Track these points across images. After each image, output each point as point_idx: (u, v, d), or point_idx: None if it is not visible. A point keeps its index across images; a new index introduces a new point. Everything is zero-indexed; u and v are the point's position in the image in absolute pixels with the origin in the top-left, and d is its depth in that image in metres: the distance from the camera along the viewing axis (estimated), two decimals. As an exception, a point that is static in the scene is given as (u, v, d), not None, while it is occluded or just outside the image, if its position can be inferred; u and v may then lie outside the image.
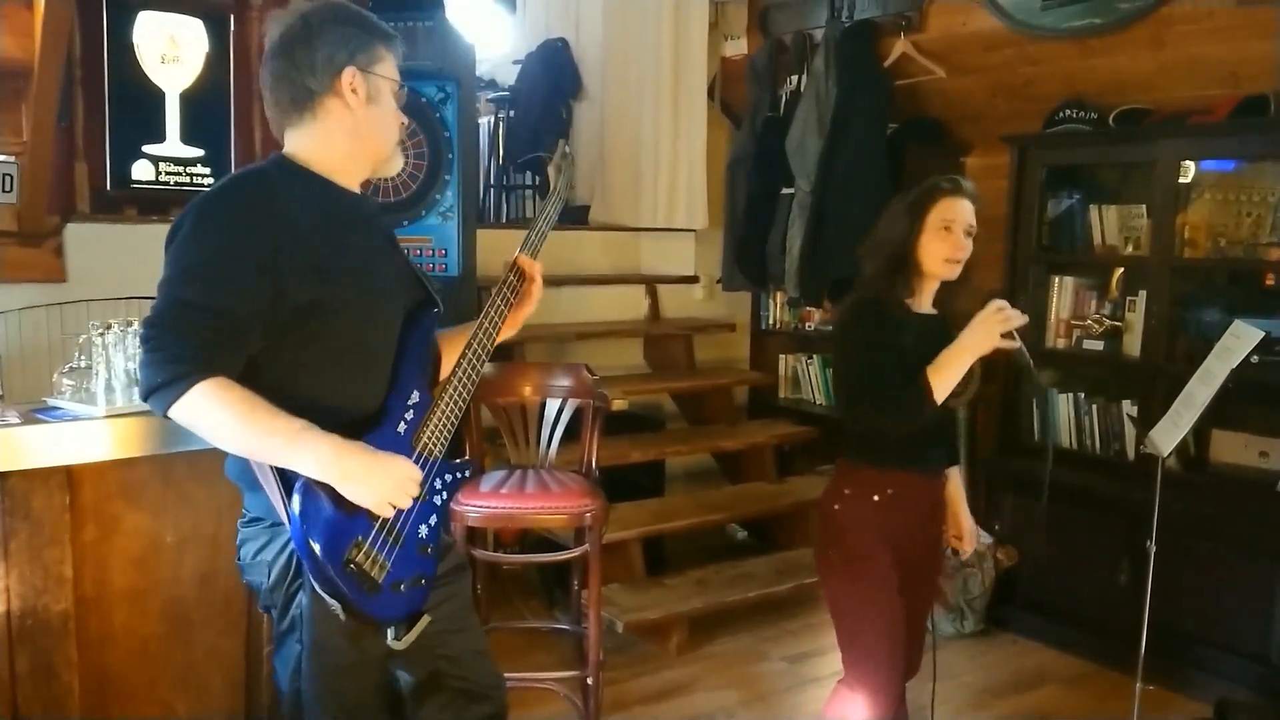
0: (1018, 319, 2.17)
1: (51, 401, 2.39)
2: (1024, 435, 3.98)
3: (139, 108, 3.93)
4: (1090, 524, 3.64)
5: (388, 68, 1.78)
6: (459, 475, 1.84)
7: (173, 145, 4.00)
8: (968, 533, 2.47)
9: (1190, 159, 3.49)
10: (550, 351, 4.28)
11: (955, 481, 2.47)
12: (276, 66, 1.74)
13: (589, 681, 2.99)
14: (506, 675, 3.03)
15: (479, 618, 3.19)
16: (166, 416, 1.59)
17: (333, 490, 1.61)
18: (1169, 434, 2.86)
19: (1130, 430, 3.66)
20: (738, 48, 4.96)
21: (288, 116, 1.76)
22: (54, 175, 3.64)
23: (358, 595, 1.62)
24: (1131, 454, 3.64)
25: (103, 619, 2.37)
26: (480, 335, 1.86)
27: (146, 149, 3.95)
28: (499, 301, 1.90)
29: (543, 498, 2.93)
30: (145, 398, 1.60)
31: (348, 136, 1.76)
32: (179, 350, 1.56)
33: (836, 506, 2.34)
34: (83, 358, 2.42)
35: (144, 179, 3.94)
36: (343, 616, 1.62)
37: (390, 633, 1.69)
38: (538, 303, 1.97)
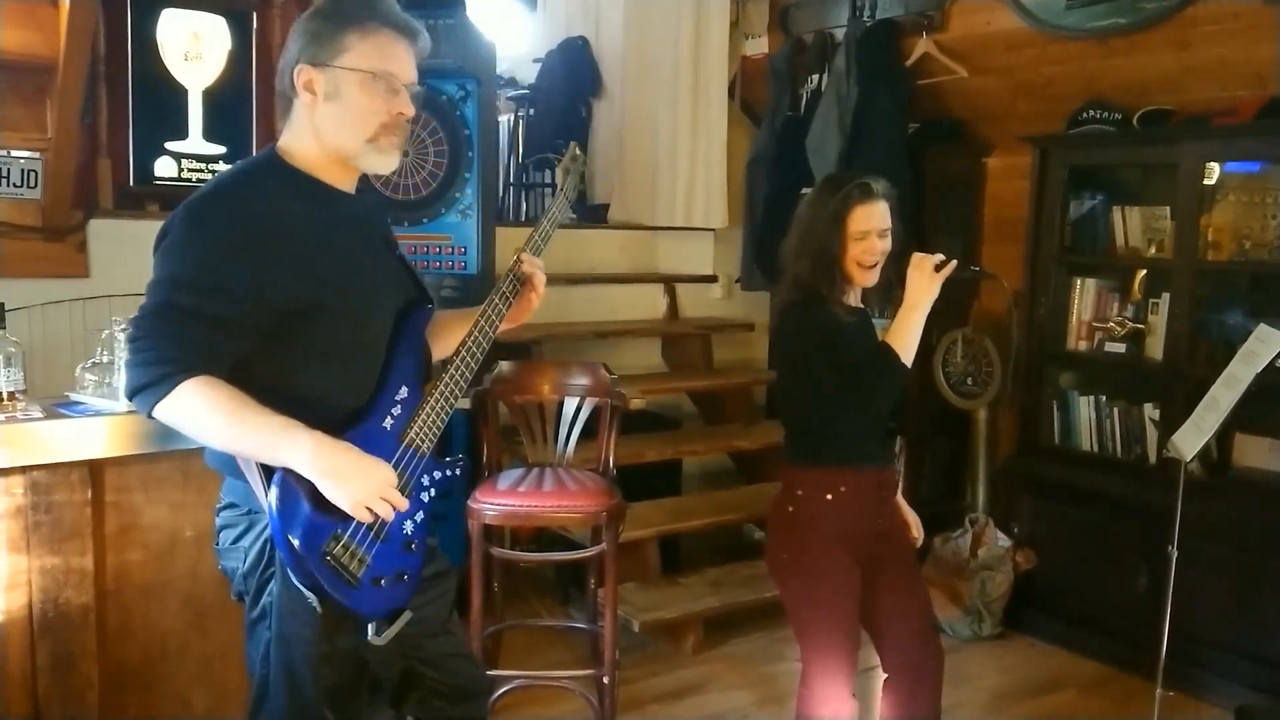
0: (939, 256, 2.24)
1: (74, 396, 2.41)
2: (1043, 437, 3.95)
3: (162, 104, 3.96)
4: (1111, 528, 3.61)
5: (356, 57, 1.68)
6: (449, 473, 1.83)
7: (195, 142, 4.02)
8: (911, 523, 2.53)
9: (1215, 160, 3.46)
10: (568, 350, 4.27)
11: (892, 471, 2.53)
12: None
13: (604, 680, 2.99)
14: (522, 673, 3.08)
15: (495, 616, 3.22)
16: (151, 416, 1.59)
17: (312, 483, 1.61)
18: (1192, 438, 2.84)
19: (1152, 434, 3.63)
20: (758, 46, 4.94)
21: (280, 115, 1.77)
22: (77, 171, 3.67)
23: (336, 588, 1.62)
24: (1153, 457, 3.60)
25: (122, 612, 2.39)
26: (475, 333, 1.84)
27: (169, 145, 3.98)
28: (496, 300, 1.88)
29: (560, 496, 2.93)
30: (130, 397, 1.61)
31: (312, 135, 1.73)
32: (165, 351, 1.56)
33: (790, 508, 2.38)
34: (105, 353, 2.45)
35: (166, 175, 3.97)
36: (319, 609, 1.62)
37: (371, 628, 1.68)
38: (539, 301, 1.95)
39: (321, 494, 1.61)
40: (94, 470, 2.30)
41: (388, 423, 1.74)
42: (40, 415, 2.27)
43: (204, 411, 1.57)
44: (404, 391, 1.77)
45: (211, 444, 1.65)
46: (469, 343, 1.83)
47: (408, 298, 1.85)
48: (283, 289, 1.63)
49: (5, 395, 2.27)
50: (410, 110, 1.75)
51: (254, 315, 1.62)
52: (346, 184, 1.79)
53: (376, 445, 1.69)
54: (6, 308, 2.34)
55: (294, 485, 1.60)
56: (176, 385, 1.55)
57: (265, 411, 1.59)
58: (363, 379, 1.75)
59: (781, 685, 3.33)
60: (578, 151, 2.16)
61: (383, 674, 1.84)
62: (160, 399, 1.56)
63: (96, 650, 2.34)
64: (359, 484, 1.61)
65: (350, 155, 1.73)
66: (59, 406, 2.34)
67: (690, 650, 3.64)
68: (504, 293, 1.89)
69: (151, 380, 1.57)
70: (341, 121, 1.71)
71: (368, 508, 1.62)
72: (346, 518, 1.64)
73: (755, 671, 3.52)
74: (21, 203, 3.49)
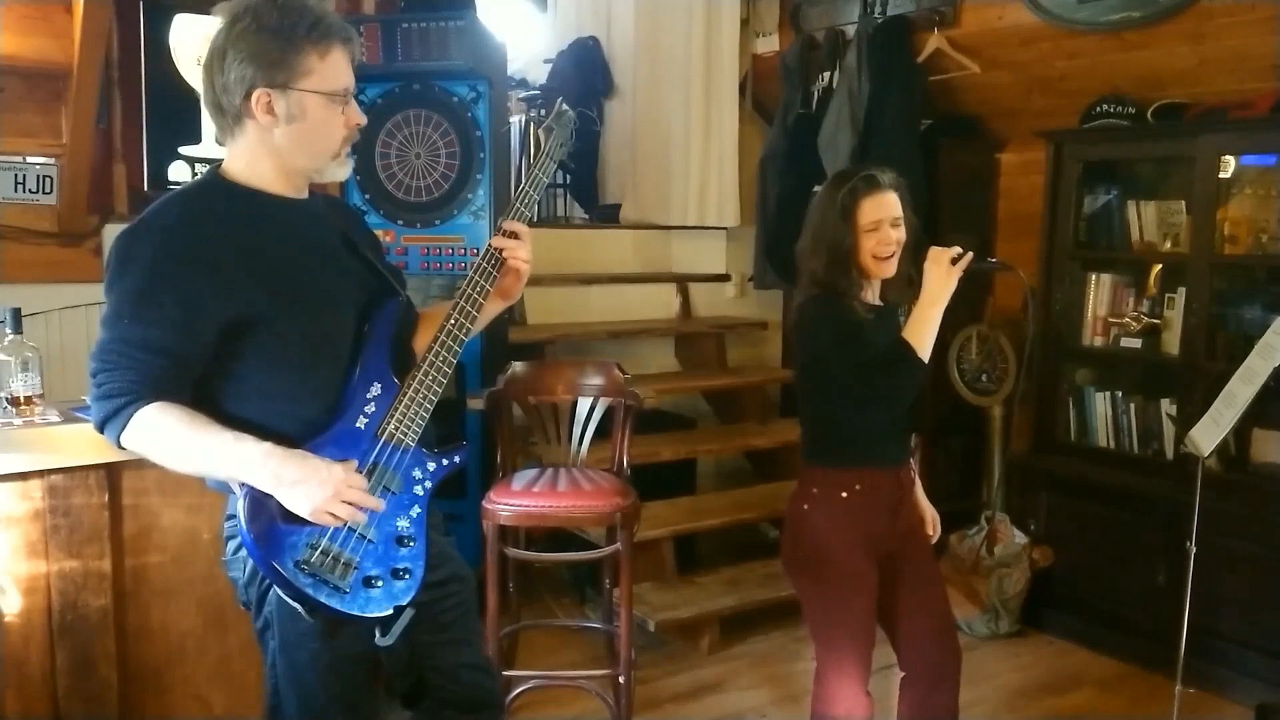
0: (956, 249, 2.21)
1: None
2: (1059, 433, 3.93)
3: (175, 109, 3.98)
4: (1128, 524, 3.59)
5: (319, 79, 1.66)
6: (444, 463, 1.77)
7: (208, 147, 4.04)
8: (929, 518, 2.51)
9: (1230, 154, 3.43)
10: (581, 350, 4.28)
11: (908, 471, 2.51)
12: (203, 80, 1.69)
13: (621, 680, 2.98)
14: (538, 673, 3.09)
15: (511, 617, 3.22)
16: (121, 447, 1.61)
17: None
18: (1209, 433, 2.82)
19: (1169, 429, 3.61)
20: (769, 44, 4.93)
21: (220, 132, 1.74)
22: (92, 176, 3.70)
23: (324, 596, 1.59)
24: (1170, 453, 3.58)
25: (141, 614, 2.40)
26: (455, 315, 1.79)
27: (182, 150, 4.00)
28: (476, 278, 1.82)
29: (575, 496, 2.93)
30: (99, 430, 1.63)
31: (270, 155, 1.70)
32: (119, 384, 1.59)
33: (805, 506, 2.37)
34: (121, 357, 2.45)
35: (180, 180, 3.99)
36: (309, 618, 1.61)
37: (376, 631, 1.66)
38: (527, 269, 1.89)
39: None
40: (111, 473, 2.31)
41: (361, 422, 1.70)
42: (58, 419, 2.29)
43: (161, 436, 1.59)
44: (376, 389, 1.73)
45: (177, 468, 1.65)
46: (448, 325, 1.79)
47: (369, 295, 1.80)
48: (220, 309, 1.62)
49: (23, 399, 2.29)
50: (364, 119, 1.76)
51: (197, 339, 1.62)
52: (294, 190, 1.76)
53: (349, 446, 1.67)
54: (23, 313, 2.35)
55: (261, 500, 1.59)
56: (134, 415, 1.58)
57: (218, 430, 1.60)
58: (325, 384, 1.72)
59: (798, 684, 3.32)
60: (564, 107, 2.06)
61: (396, 677, 1.83)
62: (122, 429, 1.59)
63: (115, 652, 2.35)
64: (312, 489, 1.58)
65: (314, 171, 1.74)
66: (76, 410, 2.35)
67: (706, 649, 3.64)
68: (483, 268, 1.83)
69: (111, 413, 1.60)
70: (306, 142, 1.69)
71: (330, 512, 1.59)
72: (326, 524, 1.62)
73: (772, 670, 3.51)
74: (37, 208, 3.52)
